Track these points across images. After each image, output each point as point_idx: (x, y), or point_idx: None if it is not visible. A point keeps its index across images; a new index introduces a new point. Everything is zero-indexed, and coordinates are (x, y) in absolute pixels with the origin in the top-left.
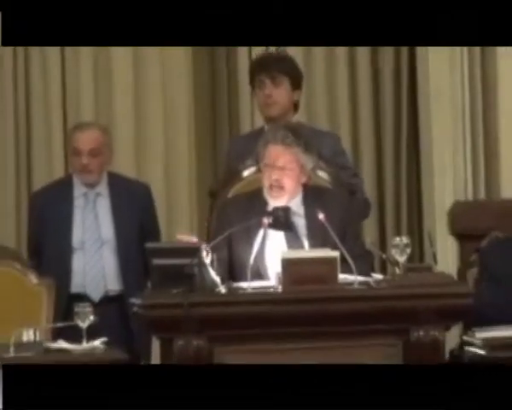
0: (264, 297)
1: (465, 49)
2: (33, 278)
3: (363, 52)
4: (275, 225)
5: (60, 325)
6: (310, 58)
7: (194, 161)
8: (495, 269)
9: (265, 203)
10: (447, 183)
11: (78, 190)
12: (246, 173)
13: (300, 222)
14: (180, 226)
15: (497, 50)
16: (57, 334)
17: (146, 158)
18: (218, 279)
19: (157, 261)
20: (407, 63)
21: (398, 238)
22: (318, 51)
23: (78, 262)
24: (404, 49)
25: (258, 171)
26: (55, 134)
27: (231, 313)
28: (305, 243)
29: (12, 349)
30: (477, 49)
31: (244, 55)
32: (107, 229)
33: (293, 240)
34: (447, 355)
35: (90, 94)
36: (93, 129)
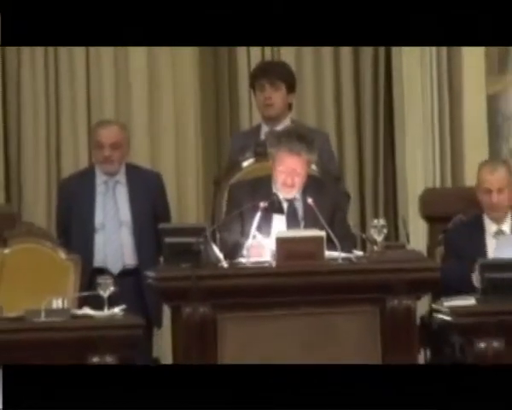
0: (260, 271)
1: (434, 49)
2: (62, 254)
3: (345, 53)
4: (273, 209)
5: (85, 294)
6: (300, 59)
7: (200, 153)
8: (458, 247)
9: (270, 190)
10: (418, 173)
11: (100, 178)
12: (245, 164)
13: (299, 206)
14: (188, 210)
15: (462, 51)
16: (82, 302)
17: (159, 150)
18: (221, 255)
19: (168, 240)
20: (384, 64)
21: (376, 220)
22: (307, 51)
23: (99, 241)
24: (382, 51)
25: (256, 162)
26: (80, 129)
27: (232, 285)
28: (302, 225)
29: (43, 315)
30: (444, 49)
31: (243, 57)
32: (124, 212)
33: (292, 223)
34: (418, 321)
35: (111, 93)
36: (113, 125)
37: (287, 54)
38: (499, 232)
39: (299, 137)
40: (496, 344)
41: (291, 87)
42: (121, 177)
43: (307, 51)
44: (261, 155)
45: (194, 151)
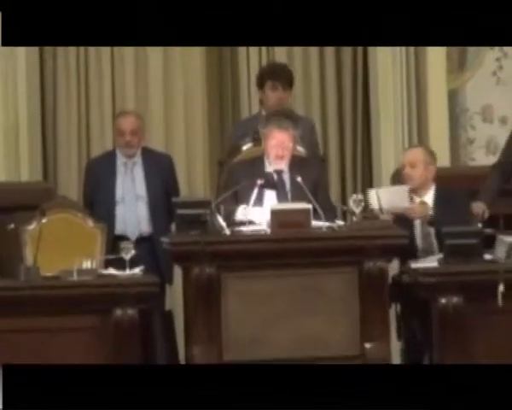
0: (257, 237)
1: (404, 49)
2: (90, 223)
3: (329, 52)
4: (267, 185)
5: (110, 257)
6: (290, 58)
7: (207, 138)
8: (436, 215)
9: (264, 168)
10: (391, 156)
11: (120, 160)
12: (244, 148)
13: (286, 179)
14: (196, 186)
15: (427, 51)
16: (107, 264)
17: (172, 137)
18: (224, 224)
19: (180, 211)
20: (362, 62)
21: (355, 195)
22: (297, 51)
23: (120, 212)
24: (360, 50)
25: (254, 146)
26: (106, 118)
27: (234, 249)
28: (289, 196)
29: (75, 274)
30: (412, 49)
31: (243, 57)
32: (140, 188)
33: (281, 194)
34: (390, 280)
35: (132, 87)
36: (131, 115)
37: (280, 53)
38: (423, 203)
39: (286, 116)
40: (455, 300)
41: (292, 86)
42: (138, 158)
43: (297, 51)
44: (258, 140)
45: (201, 137)
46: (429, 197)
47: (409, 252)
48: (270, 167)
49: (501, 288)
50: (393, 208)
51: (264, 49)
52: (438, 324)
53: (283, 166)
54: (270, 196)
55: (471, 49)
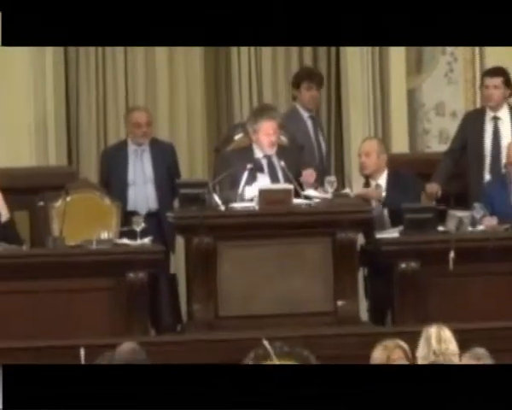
0: (247, 212)
1: (370, 50)
2: (107, 201)
3: (308, 51)
4: (257, 169)
5: (123, 229)
6: (275, 57)
7: (205, 129)
8: (388, 196)
9: (253, 155)
10: (359, 140)
11: (131, 148)
12: (236, 138)
13: (276, 162)
14: (197, 170)
15: (389, 53)
16: (122, 235)
17: (176, 127)
18: (219, 202)
19: (182, 191)
20: (335, 60)
21: (328, 176)
22: (280, 50)
23: (131, 192)
24: (333, 50)
25: (244, 136)
26: (120, 111)
27: (228, 222)
28: (280, 175)
29: (94, 243)
30: (377, 51)
31: (235, 57)
32: (149, 172)
33: (273, 174)
34: (359, 248)
35: (143, 84)
36: (144, 109)
37: (266, 52)
38: (378, 186)
39: (272, 108)
40: (413, 265)
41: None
42: (146, 147)
43: (280, 50)
44: (246, 132)
45: (200, 128)
46: (383, 181)
47: (371, 226)
48: (258, 154)
49: (452, 254)
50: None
51: (252, 49)
52: (398, 285)
53: (274, 150)
54: (263, 179)
55: (427, 54)
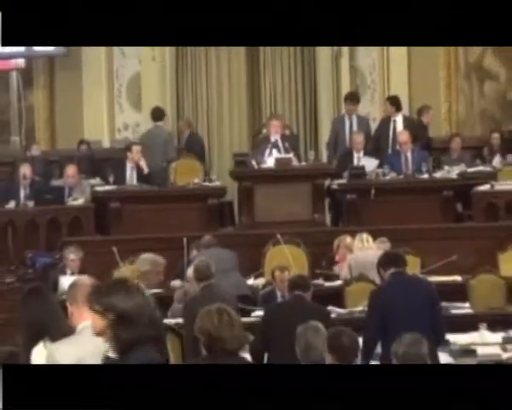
0: (269, 169)
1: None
2: (197, 164)
3: (293, 49)
4: (273, 146)
5: (205, 177)
6: (257, 57)
7: (248, 125)
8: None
9: (270, 140)
10: (328, 122)
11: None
12: (263, 131)
13: (280, 143)
14: (244, 147)
15: (318, 50)
16: (204, 180)
17: (232, 122)
18: (255, 164)
19: (237, 158)
20: (308, 61)
21: (310, 151)
22: (270, 49)
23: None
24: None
25: (266, 130)
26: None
27: (259, 174)
28: (282, 151)
29: (191, 184)
30: (312, 57)
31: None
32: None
33: (282, 152)
34: (326, 188)
35: (189, 88)
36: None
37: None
38: None
39: (278, 115)
40: (353, 196)
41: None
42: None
43: (270, 49)
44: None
45: (246, 124)
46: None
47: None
48: (273, 139)
49: (372, 191)
50: None
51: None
52: (346, 206)
53: (278, 137)
54: (276, 152)
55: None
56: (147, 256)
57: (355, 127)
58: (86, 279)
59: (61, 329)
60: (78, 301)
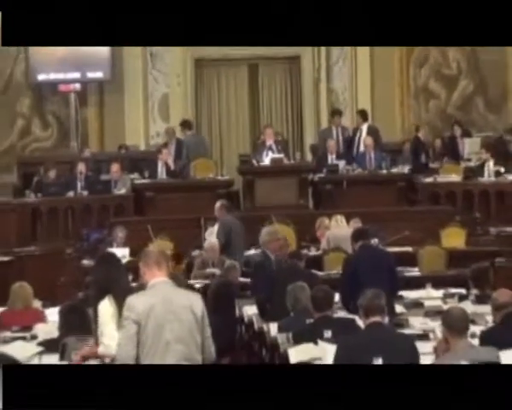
0: (266, 165)
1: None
2: (211, 162)
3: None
4: (268, 149)
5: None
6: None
7: (247, 134)
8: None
9: (266, 144)
10: (313, 125)
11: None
12: (261, 137)
13: (275, 147)
14: (247, 150)
15: (303, 75)
16: (216, 174)
17: (235, 130)
18: (255, 162)
19: (241, 158)
20: (295, 83)
21: (297, 152)
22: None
23: None
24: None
25: (263, 137)
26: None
27: (258, 170)
28: (276, 153)
29: (206, 178)
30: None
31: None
32: None
33: (276, 153)
34: (310, 180)
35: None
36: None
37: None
38: None
39: (269, 125)
40: (329, 187)
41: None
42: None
43: (264, 73)
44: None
45: (248, 131)
46: None
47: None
48: (267, 143)
49: (344, 183)
50: None
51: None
52: (323, 195)
53: (272, 141)
54: (271, 153)
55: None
56: (268, 229)
57: (340, 136)
58: (154, 248)
59: (123, 288)
60: (149, 264)
